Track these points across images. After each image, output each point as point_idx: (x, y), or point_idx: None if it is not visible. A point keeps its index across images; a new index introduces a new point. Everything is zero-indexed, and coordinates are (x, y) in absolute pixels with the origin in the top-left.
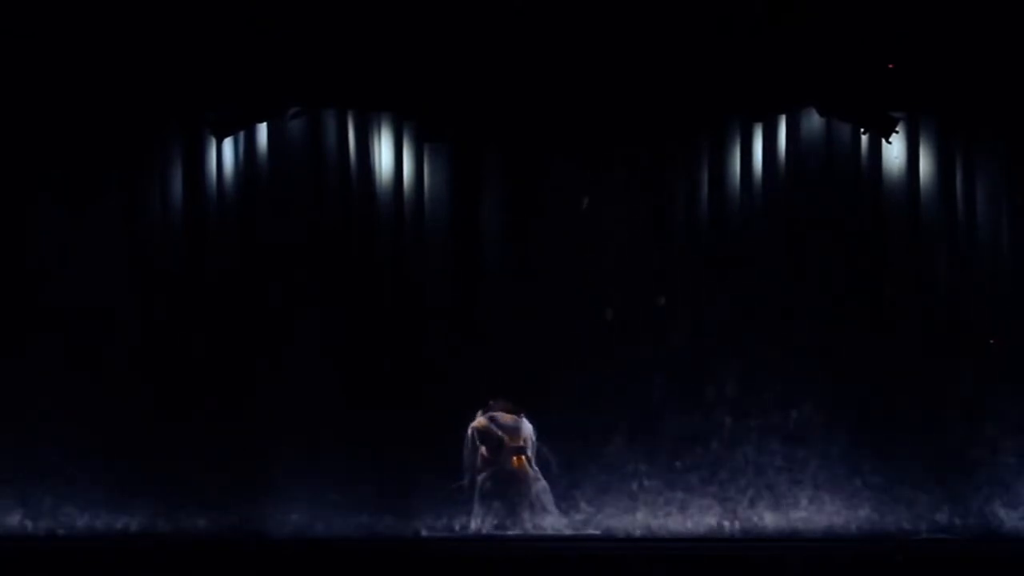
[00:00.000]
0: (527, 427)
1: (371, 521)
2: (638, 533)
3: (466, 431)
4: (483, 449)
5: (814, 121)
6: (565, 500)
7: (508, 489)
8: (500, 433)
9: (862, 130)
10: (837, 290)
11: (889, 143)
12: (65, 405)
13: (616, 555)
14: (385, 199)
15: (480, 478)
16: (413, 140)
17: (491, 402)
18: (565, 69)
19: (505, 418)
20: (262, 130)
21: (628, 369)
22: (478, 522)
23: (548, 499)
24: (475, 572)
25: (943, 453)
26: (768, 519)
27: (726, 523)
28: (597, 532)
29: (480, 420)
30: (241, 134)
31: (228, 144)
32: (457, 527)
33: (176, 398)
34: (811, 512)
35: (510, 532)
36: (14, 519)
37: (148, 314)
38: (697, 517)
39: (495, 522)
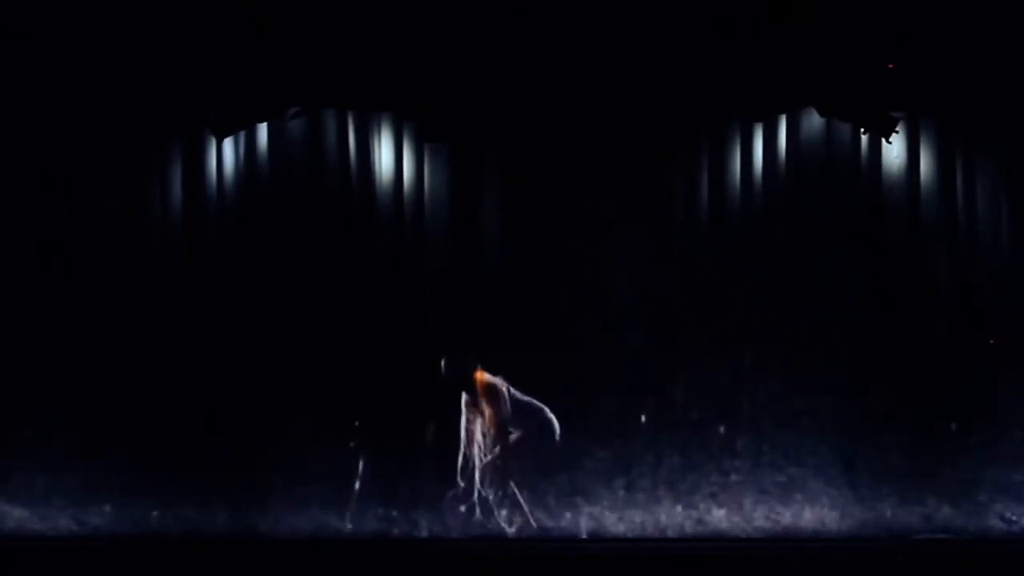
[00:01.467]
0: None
1: (371, 521)
2: (638, 533)
3: (462, 429)
4: (476, 445)
5: (814, 121)
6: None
7: (495, 484)
8: (494, 432)
9: (862, 130)
10: (837, 290)
11: (889, 143)
12: (64, 404)
13: (616, 555)
14: (385, 199)
15: (474, 475)
16: (413, 140)
17: (476, 373)
18: (564, 69)
19: (498, 414)
20: (262, 130)
21: (628, 369)
22: (470, 513)
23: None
24: (475, 572)
25: (943, 453)
26: (767, 519)
27: (726, 523)
28: (596, 532)
29: (477, 422)
30: (241, 134)
31: (228, 144)
32: (455, 526)
33: (176, 398)
34: (810, 512)
35: (509, 532)
36: (14, 519)
37: (148, 314)
38: (697, 516)
39: (486, 517)
